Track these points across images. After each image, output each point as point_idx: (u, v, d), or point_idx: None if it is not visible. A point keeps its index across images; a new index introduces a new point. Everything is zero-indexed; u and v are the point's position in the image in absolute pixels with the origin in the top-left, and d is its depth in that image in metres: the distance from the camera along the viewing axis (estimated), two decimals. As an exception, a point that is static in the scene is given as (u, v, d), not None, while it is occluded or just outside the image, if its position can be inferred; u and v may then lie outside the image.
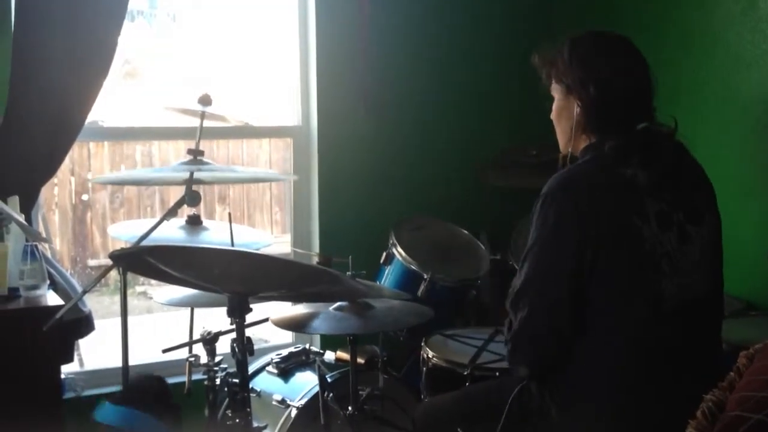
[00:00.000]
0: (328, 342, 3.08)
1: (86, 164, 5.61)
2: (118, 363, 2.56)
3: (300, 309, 2.32)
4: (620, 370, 1.75)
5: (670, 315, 1.73)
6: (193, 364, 2.46)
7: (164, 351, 2.43)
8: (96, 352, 3.54)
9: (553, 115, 1.94)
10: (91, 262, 5.86)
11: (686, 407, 1.54)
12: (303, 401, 2.44)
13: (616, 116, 1.81)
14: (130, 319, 2.58)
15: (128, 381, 2.52)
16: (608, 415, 1.75)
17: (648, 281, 1.72)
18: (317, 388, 2.41)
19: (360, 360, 2.43)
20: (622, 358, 1.74)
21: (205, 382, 2.37)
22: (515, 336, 1.80)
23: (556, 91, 1.91)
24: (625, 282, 1.73)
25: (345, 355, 2.50)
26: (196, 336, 2.49)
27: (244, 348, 1.87)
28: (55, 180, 5.19)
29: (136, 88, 5.66)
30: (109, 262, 2.05)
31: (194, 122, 2.50)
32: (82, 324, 2.71)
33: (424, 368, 2.46)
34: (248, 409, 1.92)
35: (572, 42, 1.87)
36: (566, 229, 1.72)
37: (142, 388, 2.54)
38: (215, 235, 2.57)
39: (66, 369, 2.78)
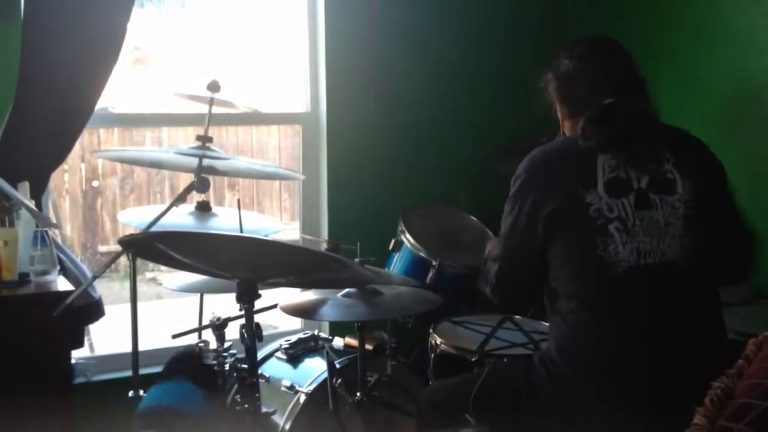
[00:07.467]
0: (337, 328, 3.09)
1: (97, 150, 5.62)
2: (128, 348, 2.57)
3: (309, 295, 2.32)
4: (583, 332, 1.82)
5: (627, 278, 1.79)
6: (203, 349, 2.48)
7: (174, 336, 2.44)
8: (106, 338, 3.57)
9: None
10: (102, 248, 5.89)
11: (653, 365, 1.75)
12: (312, 387, 2.45)
13: (579, 99, 1.95)
14: (140, 304, 2.58)
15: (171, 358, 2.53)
16: (584, 380, 1.81)
17: (593, 245, 1.80)
18: (326, 374, 2.42)
19: (368, 346, 2.44)
20: (582, 321, 1.82)
21: (215, 368, 2.39)
22: (489, 273, 2.02)
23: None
24: (576, 247, 1.83)
25: (353, 342, 2.51)
26: (205, 322, 2.51)
27: (253, 334, 1.88)
28: (65, 166, 5.22)
29: (145, 74, 5.67)
30: (119, 248, 2.07)
31: (203, 108, 2.49)
32: (92, 309, 2.73)
33: (433, 355, 2.47)
34: (257, 395, 1.94)
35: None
36: (521, 207, 1.88)
37: (183, 359, 2.49)
38: (224, 221, 2.58)
39: (76, 354, 2.80)
